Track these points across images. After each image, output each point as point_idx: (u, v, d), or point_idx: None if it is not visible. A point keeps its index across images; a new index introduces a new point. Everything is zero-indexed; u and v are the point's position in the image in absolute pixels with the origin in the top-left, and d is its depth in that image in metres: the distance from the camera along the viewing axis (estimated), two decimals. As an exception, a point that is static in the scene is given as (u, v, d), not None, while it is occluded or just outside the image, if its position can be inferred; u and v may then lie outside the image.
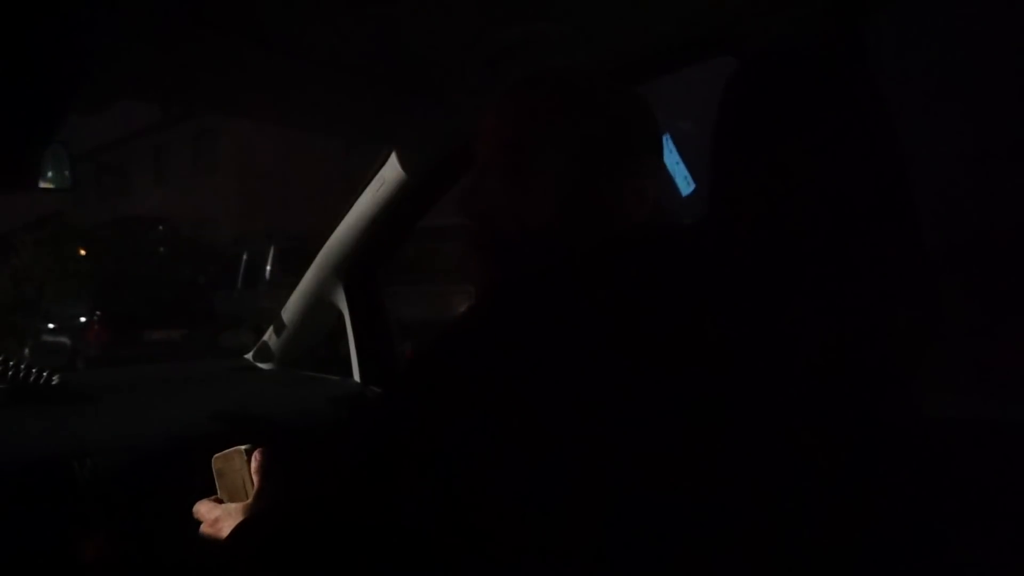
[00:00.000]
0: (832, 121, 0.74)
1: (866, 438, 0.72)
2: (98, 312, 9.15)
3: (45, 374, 1.34)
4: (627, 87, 0.86)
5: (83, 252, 12.42)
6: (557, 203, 0.78)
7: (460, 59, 1.18)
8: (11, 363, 1.32)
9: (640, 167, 0.80)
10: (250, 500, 0.88)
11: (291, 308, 1.78)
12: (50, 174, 1.17)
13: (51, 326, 9.85)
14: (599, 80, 0.84)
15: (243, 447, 0.93)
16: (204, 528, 0.88)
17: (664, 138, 0.85)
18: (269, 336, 1.83)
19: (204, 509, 0.90)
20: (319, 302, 1.73)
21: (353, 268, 1.67)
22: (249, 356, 1.88)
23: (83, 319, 9.21)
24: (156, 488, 1.11)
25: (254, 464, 0.90)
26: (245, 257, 10.85)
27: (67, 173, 1.19)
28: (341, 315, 1.72)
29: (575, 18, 1.07)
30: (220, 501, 0.92)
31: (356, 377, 1.70)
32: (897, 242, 0.75)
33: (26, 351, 9.63)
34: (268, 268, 9.98)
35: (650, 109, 0.84)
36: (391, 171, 1.50)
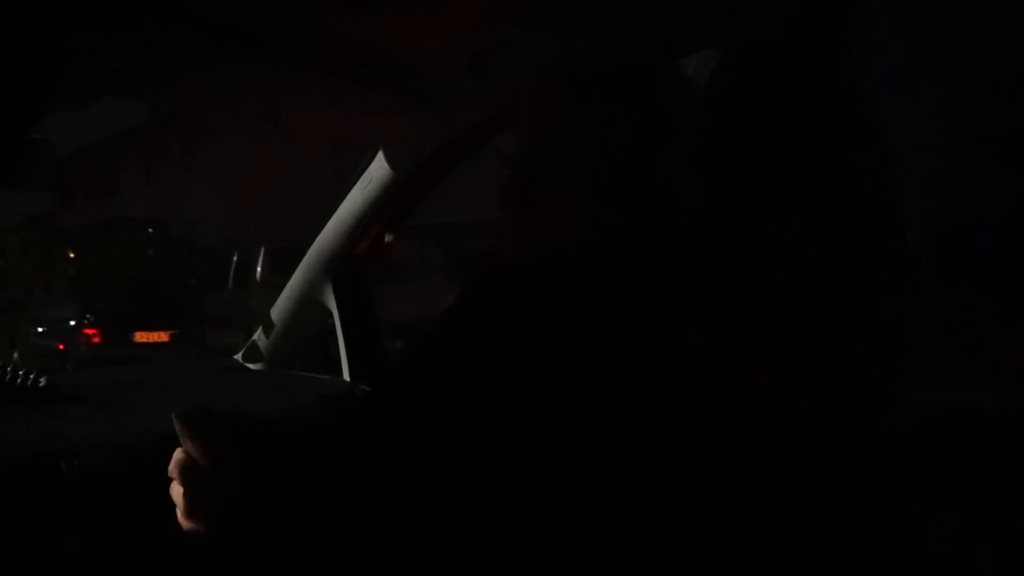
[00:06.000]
0: (814, 115, 0.75)
1: (853, 428, 0.72)
2: (88, 314, 9.10)
3: (33, 375, 1.34)
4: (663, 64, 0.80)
5: (72, 254, 12.34)
6: (603, 191, 0.74)
7: (446, 60, 1.18)
8: (-1, 365, 1.32)
9: (681, 149, 0.75)
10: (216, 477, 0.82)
11: (280, 308, 1.78)
12: (38, 175, 1.16)
13: (40, 328, 9.79)
14: (638, 60, 0.79)
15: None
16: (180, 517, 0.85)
17: None
18: (259, 336, 1.83)
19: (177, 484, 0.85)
20: (308, 301, 1.73)
21: (342, 267, 1.67)
22: (238, 356, 1.87)
23: (72, 321, 9.16)
24: (144, 488, 1.11)
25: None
26: (235, 257, 10.83)
27: (55, 174, 1.18)
28: (330, 314, 1.72)
29: (558, 14, 1.07)
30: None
31: (346, 376, 1.70)
32: (880, 235, 0.76)
33: (15, 354, 9.57)
34: (258, 268, 9.95)
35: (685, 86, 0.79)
36: (379, 169, 1.50)
